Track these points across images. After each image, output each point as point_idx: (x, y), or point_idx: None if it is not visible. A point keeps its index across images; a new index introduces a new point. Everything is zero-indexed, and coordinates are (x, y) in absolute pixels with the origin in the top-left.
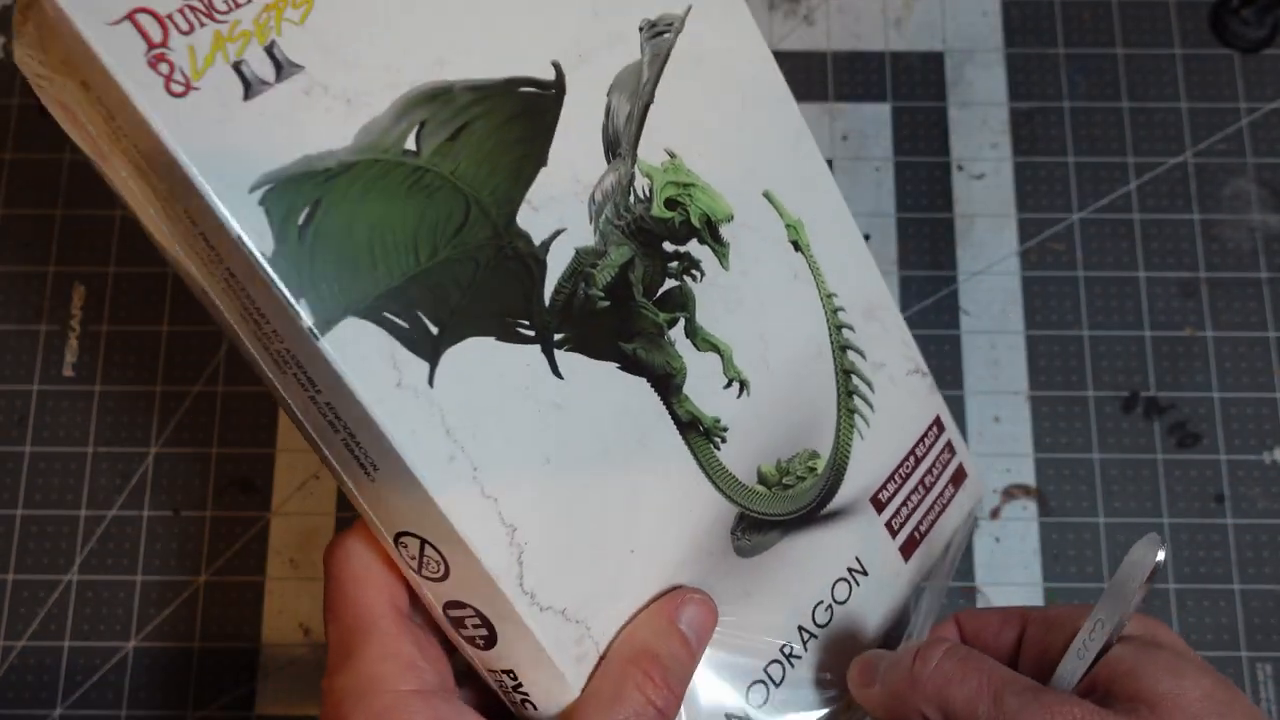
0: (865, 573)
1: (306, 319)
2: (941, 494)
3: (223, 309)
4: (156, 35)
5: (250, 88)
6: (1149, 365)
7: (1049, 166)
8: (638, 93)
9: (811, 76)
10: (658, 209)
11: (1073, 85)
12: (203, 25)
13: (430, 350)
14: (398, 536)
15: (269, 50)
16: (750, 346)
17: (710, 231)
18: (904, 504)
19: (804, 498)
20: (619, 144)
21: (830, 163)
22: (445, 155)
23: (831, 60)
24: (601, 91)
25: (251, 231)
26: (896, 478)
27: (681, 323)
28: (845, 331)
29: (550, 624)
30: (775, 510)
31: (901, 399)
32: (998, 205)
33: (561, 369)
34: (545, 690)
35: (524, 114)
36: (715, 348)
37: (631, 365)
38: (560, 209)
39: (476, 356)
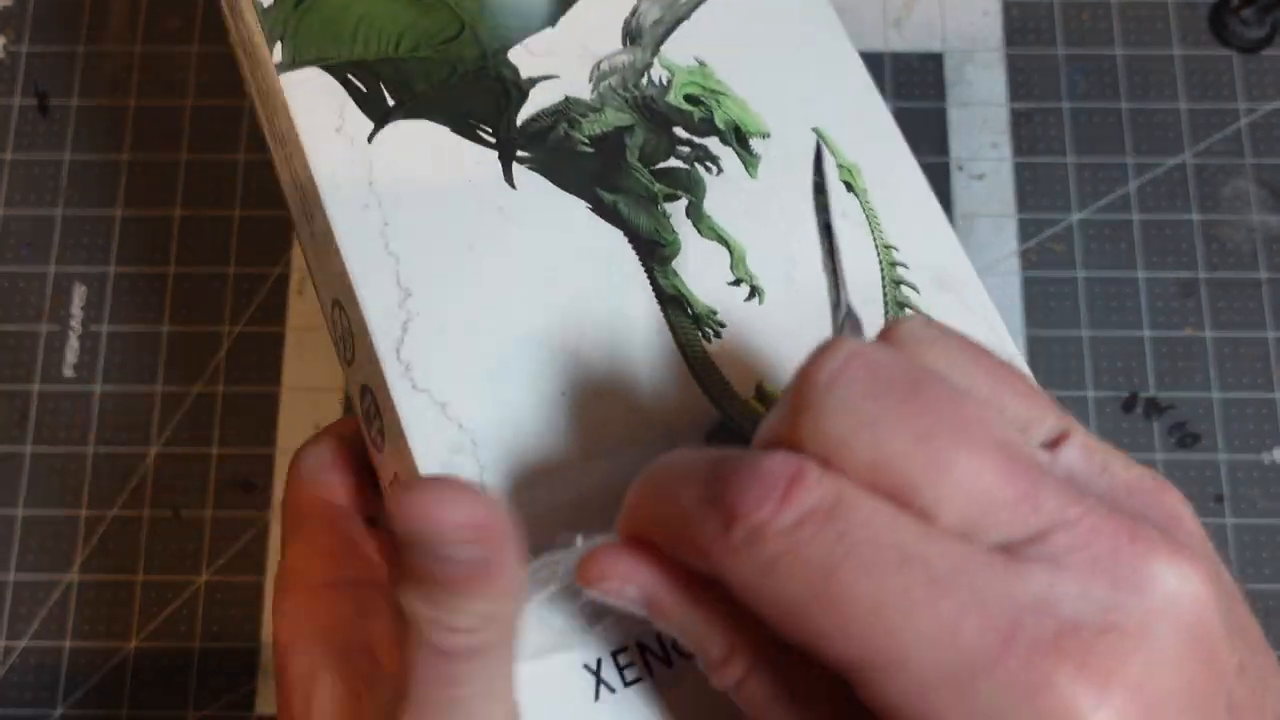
0: None
1: (277, 56)
2: None
3: (244, 71)
4: None
5: None
6: (1149, 365)
7: (1049, 166)
8: (672, 5)
9: None
10: (674, 97)
11: (1073, 85)
12: None
13: (380, 115)
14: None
15: None
16: (771, 257)
17: (738, 137)
18: None
19: None
20: (640, 36)
21: None
22: None
23: None
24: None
25: None
26: None
27: (684, 202)
28: (905, 289)
29: (419, 408)
30: None
31: None
32: (998, 205)
33: (517, 181)
34: None
35: None
36: (724, 240)
37: (608, 214)
38: (558, 62)
39: (425, 137)
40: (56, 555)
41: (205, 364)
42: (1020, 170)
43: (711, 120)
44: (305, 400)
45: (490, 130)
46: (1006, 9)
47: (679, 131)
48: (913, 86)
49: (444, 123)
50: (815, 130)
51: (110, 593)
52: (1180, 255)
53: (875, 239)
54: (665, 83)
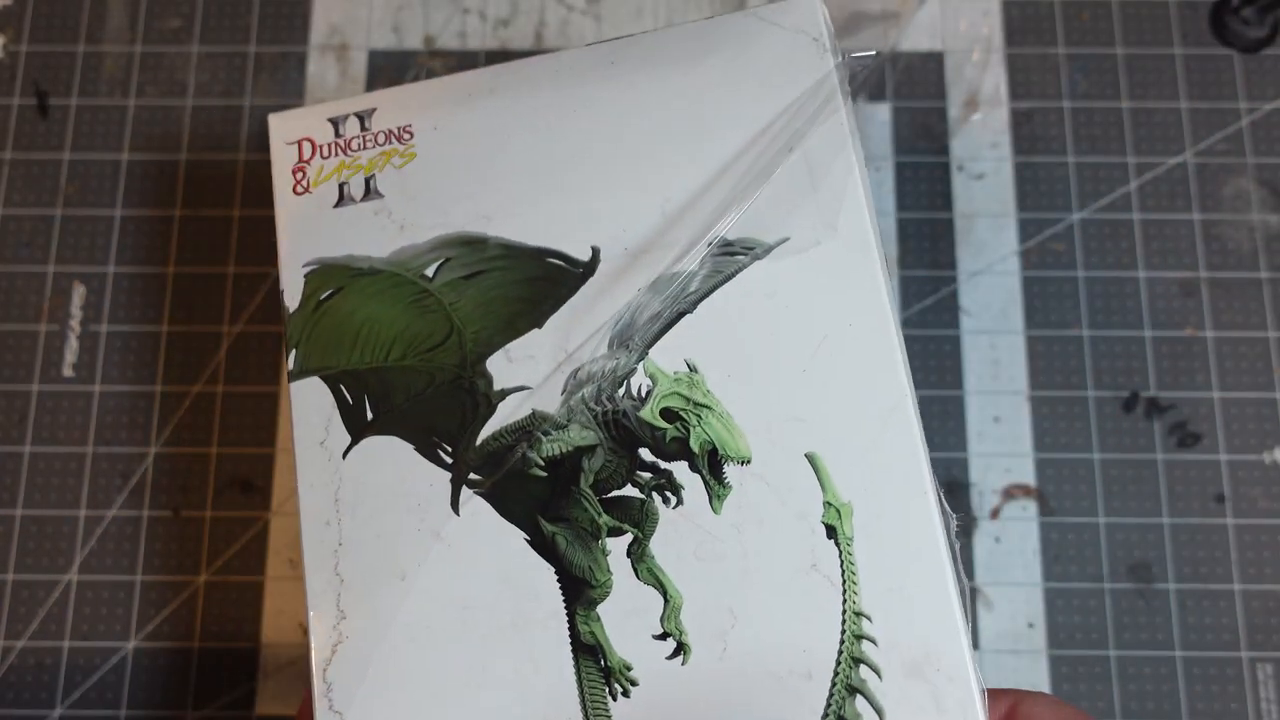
0: None
1: (290, 365)
2: None
3: None
4: (306, 154)
5: (341, 200)
6: (1149, 365)
7: (1049, 166)
8: (676, 298)
9: None
10: (649, 413)
11: (1073, 85)
12: (337, 156)
13: (357, 429)
14: None
15: (367, 180)
16: (709, 611)
17: (710, 463)
18: None
19: None
20: (631, 337)
21: None
22: (453, 289)
23: None
24: (633, 286)
25: (290, 291)
26: None
27: (629, 539)
28: (864, 671)
29: None
30: None
31: None
32: (998, 205)
33: (463, 508)
34: None
35: (541, 279)
36: (662, 586)
37: (542, 548)
38: (534, 369)
39: (391, 455)
40: (56, 555)
41: (205, 364)
42: (1020, 170)
43: (685, 441)
44: None
45: (449, 450)
46: (1006, 9)
47: (644, 454)
48: (913, 86)
49: (411, 441)
50: (809, 458)
51: (109, 592)
52: (1181, 255)
53: (845, 603)
54: (643, 395)
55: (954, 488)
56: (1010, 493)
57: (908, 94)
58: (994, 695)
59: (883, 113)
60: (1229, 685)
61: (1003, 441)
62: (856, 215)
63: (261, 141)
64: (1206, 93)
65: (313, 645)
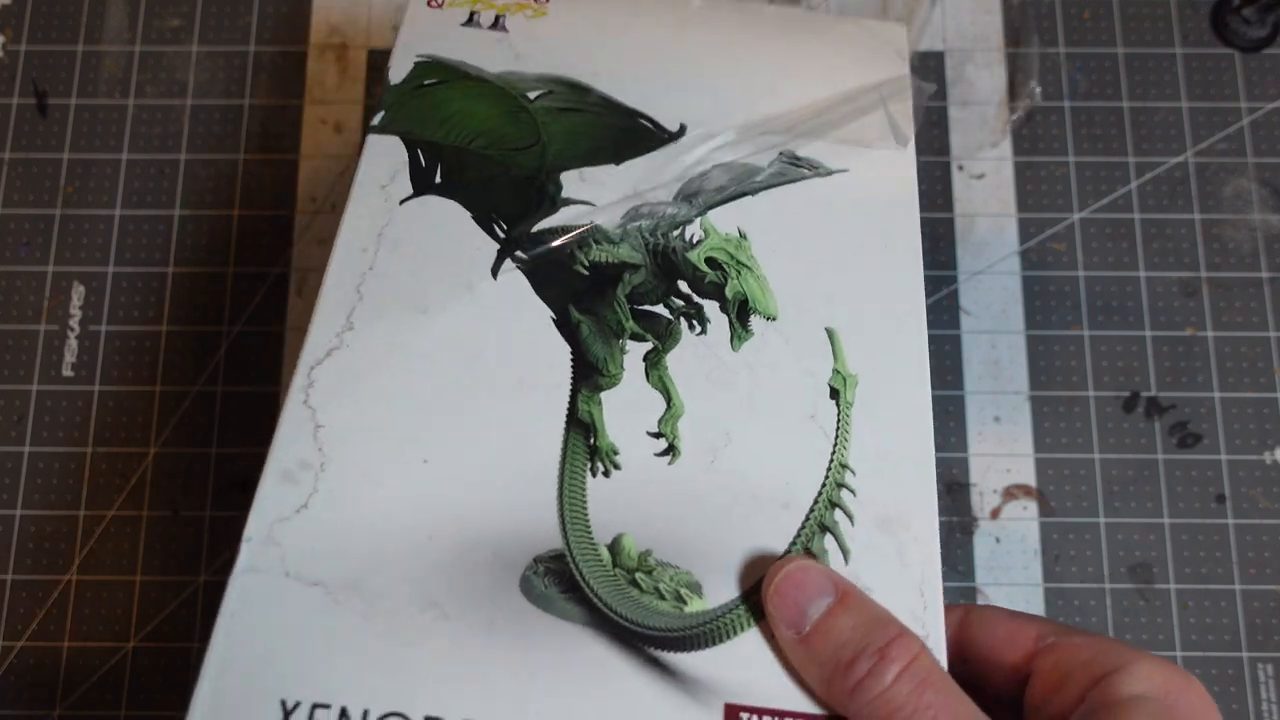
0: None
1: (375, 121)
2: None
3: None
4: None
5: (470, 21)
6: (1149, 365)
7: (1049, 166)
8: (742, 181)
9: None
10: (695, 256)
11: (1073, 85)
12: None
13: (420, 185)
14: None
15: (497, 15)
16: (707, 427)
17: (739, 311)
18: None
19: (641, 616)
20: (696, 195)
21: None
22: (549, 114)
23: None
24: (708, 161)
25: (396, 69)
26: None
27: (649, 347)
28: (838, 514)
29: (297, 417)
30: (600, 590)
31: None
32: (998, 205)
33: (501, 275)
34: None
35: (628, 131)
36: (667, 393)
37: (567, 330)
38: (603, 193)
39: (447, 214)
40: (55, 555)
41: (205, 364)
42: (1020, 170)
43: (721, 287)
44: None
45: (505, 227)
46: (1006, 9)
47: (682, 286)
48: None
49: (470, 209)
50: (828, 330)
51: (109, 593)
52: (1181, 255)
53: (834, 454)
54: (695, 240)
55: (954, 488)
56: (1010, 493)
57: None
58: (948, 607)
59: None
60: (1229, 685)
61: (1003, 441)
62: (906, 179)
63: (262, 141)
64: (1207, 93)
65: (308, 341)
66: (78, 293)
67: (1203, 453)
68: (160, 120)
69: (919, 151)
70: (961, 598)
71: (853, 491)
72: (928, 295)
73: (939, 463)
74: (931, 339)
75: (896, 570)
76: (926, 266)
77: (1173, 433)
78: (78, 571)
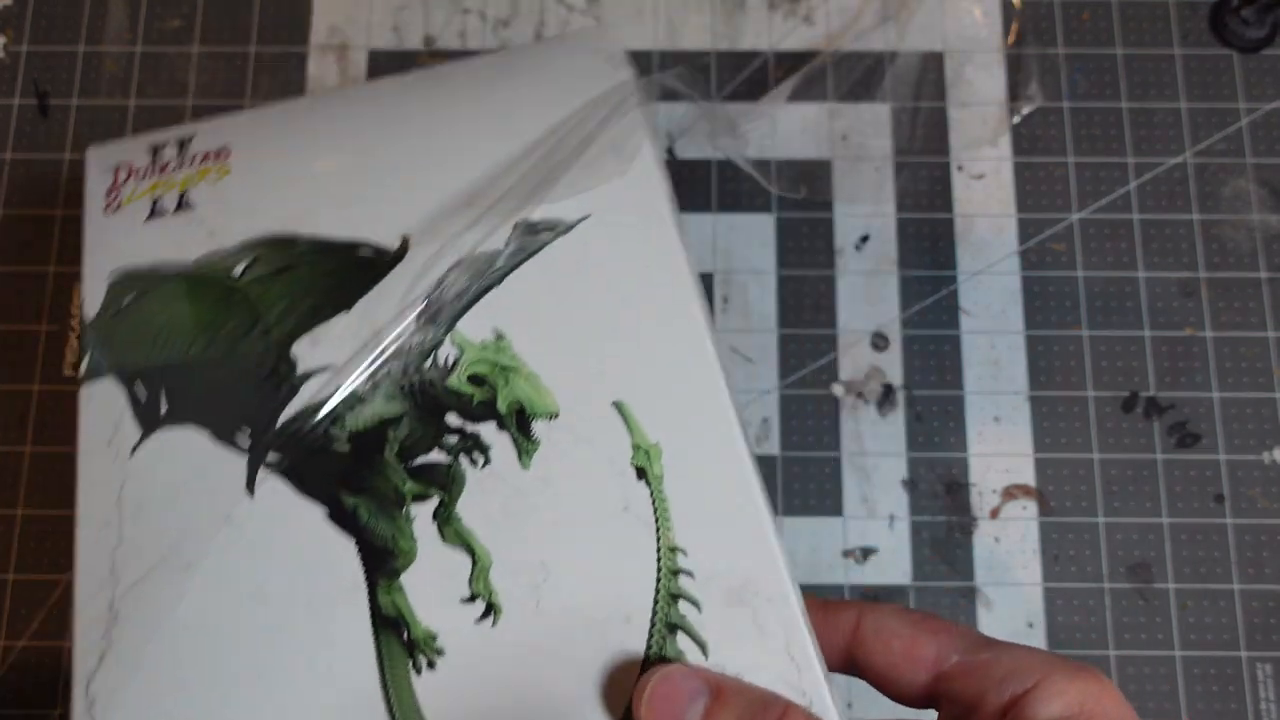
0: None
1: (80, 371)
2: None
3: None
4: (122, 178)
5: (154, 214)
6: (1149, 365)
7: (1049, 166)
8: (483, 275)
9: (811, 76)
10: (456, 380)
11: (1072, 86)
12: (152, 177)
13: (148, 424)
14: None
15: (181, 194)
16: (520, 569)
17: (518, 421)
18: None
19: None
20: (439, 314)
21: (829, 163)
22: (261, 284)
23: (831, 60)
24: (442, 268)
25: (90, 302)
26: None
27: (434, 502)
28: (684, 605)
29: None
30: None
31: None
32: (998, 205)
33: (258, 488)
34: None
35: (351, 269)
36: (469, 548)
37: (343, 520)
38: (339, 349)
39: (186, 445)
40: (56, 555)
41: None
42: (1020, 170)
43: (492, 403)
44: None
45: (249, 433)
46: (1006, 9)
47: (451, 419)
48: (913, 86)
49: (207, 428)
50: (616, 405)
51: None
52: (1180, 255)
53: (659, 540)
54: (450, 363)
55: (954, 488)
56: (1010, 493)
57: (907, 94)
58: (837, 608)
59: (883, 113)
60: (1228, 685)
61: (1003, 441)
62: (651, 192)
63: None
64: (1206, 93)
65: (76, 656)
66: (78, 293)
67: (1202, 452)
68: (161, 120)
69: (919, 151)
70: (961, 598)
71: (690, 574)
72: (927, 297)
73: (939, 462)
74: (931, 339)
75: (757, 642)
76: (925, 266)
77: (1172, 432)
78: None
